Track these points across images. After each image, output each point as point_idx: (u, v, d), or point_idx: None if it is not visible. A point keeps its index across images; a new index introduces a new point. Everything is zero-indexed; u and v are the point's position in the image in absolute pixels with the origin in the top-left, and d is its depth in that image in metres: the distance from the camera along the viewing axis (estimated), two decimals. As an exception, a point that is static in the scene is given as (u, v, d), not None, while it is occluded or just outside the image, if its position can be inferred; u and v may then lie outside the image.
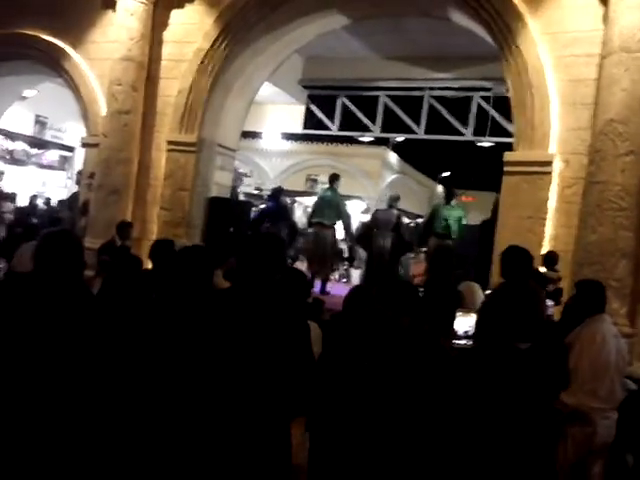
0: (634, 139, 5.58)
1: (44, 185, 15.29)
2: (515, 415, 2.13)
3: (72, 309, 2.61)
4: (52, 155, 15.53)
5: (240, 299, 2.27)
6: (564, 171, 6.34)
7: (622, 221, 5.48)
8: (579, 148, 6.25)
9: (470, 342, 2.46)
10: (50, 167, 15.64)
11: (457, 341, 2.44)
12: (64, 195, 14.99)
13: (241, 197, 10.81)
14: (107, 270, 5.58)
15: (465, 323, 2.48)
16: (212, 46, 8.27)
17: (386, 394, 2.32)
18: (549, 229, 6.24)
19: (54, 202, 12.91)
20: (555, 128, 6.40)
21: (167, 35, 8.63)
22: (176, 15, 8.60)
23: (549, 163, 6.31)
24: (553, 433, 2.43)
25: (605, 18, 6.12)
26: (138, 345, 2.54)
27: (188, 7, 8.55)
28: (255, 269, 2.27)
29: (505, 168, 6.64)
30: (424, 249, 11.64)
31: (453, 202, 9.23)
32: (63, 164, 15.84)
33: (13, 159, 14.56)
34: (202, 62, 8.29)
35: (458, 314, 2.47)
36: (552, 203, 6.33)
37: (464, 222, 9.01)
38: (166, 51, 8.61)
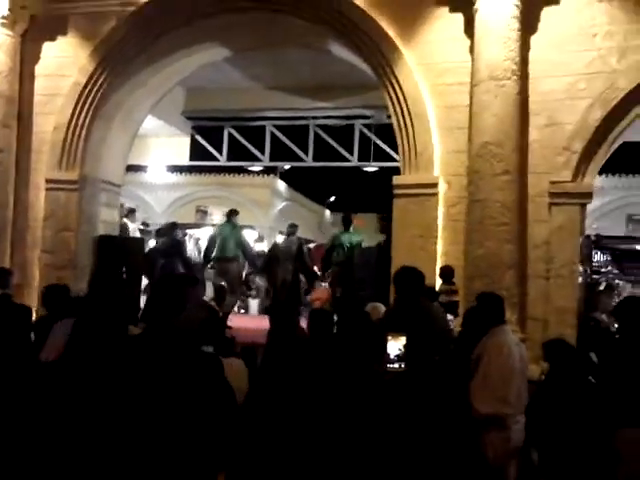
0: (508, 160, 6.07)
1: None
2: (440, 426, 2.19)
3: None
4: None
5: (150, 345, 2.16)
6: (447, 192, 6.74)
7: (505, 235, 5.92)
8: (459, 169, 6.68)
9: (402, 365, 2.53)
10: None
11: (390, 365, 2.49)
12: None
13: (136, 233, 10.37)
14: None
15: (396, 346, 2.54)
16: (89, 80, 7.96)
17: (322, 430, 2.31)
18: (440, 246, 6.58)
19: None
20: (437, 151, 6.80)
21: (39, 69, 8.20)
22: (48, 48, 8.21)
23: (435, 185, 6.69)
24: (473, 440, 2.53)
25: (472, 50, 6.64)
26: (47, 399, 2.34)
27: (60, 40, 8.20)
28: (162, 311, 2.19)
29: (394, 191, 6.93)
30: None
31: (351, 228, 9.50)
32: None
33: None
34: (79, 96, 7.93)
35: (389, 337, 2.53)
36: (440, 222, 6.68)
37: (360, 246, 9.31)
38: (39, 85, 8.18)
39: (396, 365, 2.53)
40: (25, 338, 4.44)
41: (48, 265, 7.70)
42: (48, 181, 7.94)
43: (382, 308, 4.64)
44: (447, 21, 6.96)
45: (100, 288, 2.80)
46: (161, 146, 13.73)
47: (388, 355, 2.51)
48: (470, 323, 3.79)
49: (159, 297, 2.23)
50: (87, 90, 7.93)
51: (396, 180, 6.99)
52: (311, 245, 16.60)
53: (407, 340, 2.59)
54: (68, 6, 8.11)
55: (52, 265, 7.71)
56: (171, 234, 10.04)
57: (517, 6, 6.33)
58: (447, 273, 6.27)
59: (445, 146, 6.82)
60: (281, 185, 18.89)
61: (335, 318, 4.08)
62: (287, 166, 15.38)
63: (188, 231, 16.11)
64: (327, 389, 2.47)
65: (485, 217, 5.98)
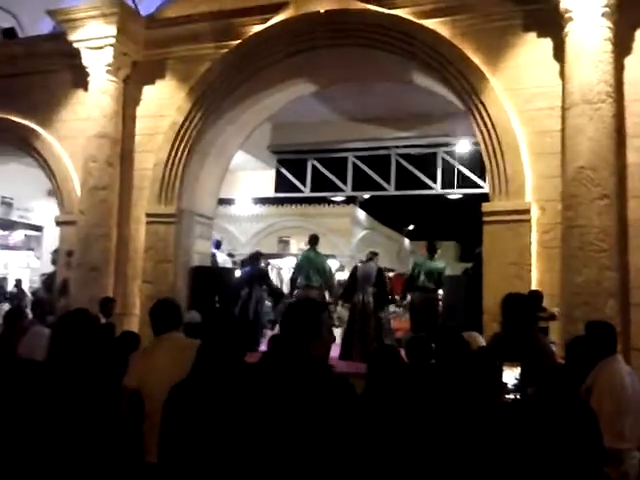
0: (605, 184, 5.88)
1: (5, 267, 14.92)
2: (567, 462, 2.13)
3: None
4: (18, 235, 15.23)
5: (288, 371, 2.17)
6: (541, 218, 6.59)
7: (605, 262, 5.70)
8: (552, 195, 6.53)
9: (519, 395, 2.48)
10: (14, 248, 15.31)
11: (507, 395, 2.45)
12: (27, 276, 14.66)
13: (226, 264, 10.78)
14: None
15: (512, 375, 2.51)
16: (186, 119, 8.42)
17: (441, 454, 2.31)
18: (534, 274, 6.42)
19: (27, 284, 12.56)
20: (528, 177, 6.69)
21: (140, 110, 8.76)
22: (148, 91, 8.77)
23: (527, 211, 6.56)
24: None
25: (562, 74, 6.54)
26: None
27: (159, 82, 8.74)
28: (299, 337, 2.20)
29: (484, 218, 6.85)
30: (405, 303, 11.78)
31: (436, 255, 9.43)
32: (27, 244, 15.52)
33: (-23, 243, 14.22)
34: (177, 135, 8.41)
35: (504, 367, 2.50)
36: (533, 249, 6.53)
37: (446, 274, 9.21)
38: (140, 126, 8.72)
39: (512, 395, 2.48)
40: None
41: (148, 295, 8.10)
42: (148, 215, 8.42)
43: (479, 337, 4.57)
44: (535, 46, 6.92)
45: (220, 317, 2.92)
46: (248, 179, 14.24)
47: (505, 385, 2.48)
48: (578, 353, 3.66)
49: (294, 323, 2.23)
50: (184, 129, 8.40)
51: (486, 207, 6.91)
52: (391, 274, 16.55)
53: (523, 370, 2.54)
54: (166, 51, 8.67)
55: (152, 295, 8.08)
56: (255, 263, 10.33)
57: (610, 28, 6.21)
58: (538, 297, 6.08)
59: (537, 171, 6.70)
60: (361, 214, 19.05)
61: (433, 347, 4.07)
62: (367, 195, 15.50)
63: (270, 261, 16.53)
64: (445, 419, 2.46)
65: (583, 243, 5.79)
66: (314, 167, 12.60)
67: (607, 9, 6.14)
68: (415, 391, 3.01)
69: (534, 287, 6.27)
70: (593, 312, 5.46)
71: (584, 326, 3.96)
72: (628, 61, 6.41)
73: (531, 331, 3.87)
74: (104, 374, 2.74)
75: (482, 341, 4.85)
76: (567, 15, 6.26)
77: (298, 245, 16.80)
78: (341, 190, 12.65)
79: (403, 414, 3.00)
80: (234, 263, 11.68)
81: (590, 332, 3.66)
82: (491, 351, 3.69)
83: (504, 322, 4.07)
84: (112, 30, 8.23)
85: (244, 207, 17.24)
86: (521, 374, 2.52)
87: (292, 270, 10.39)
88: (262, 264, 11.02)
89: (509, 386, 2.52)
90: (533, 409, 2.27)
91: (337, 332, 13.23)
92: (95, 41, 8.32)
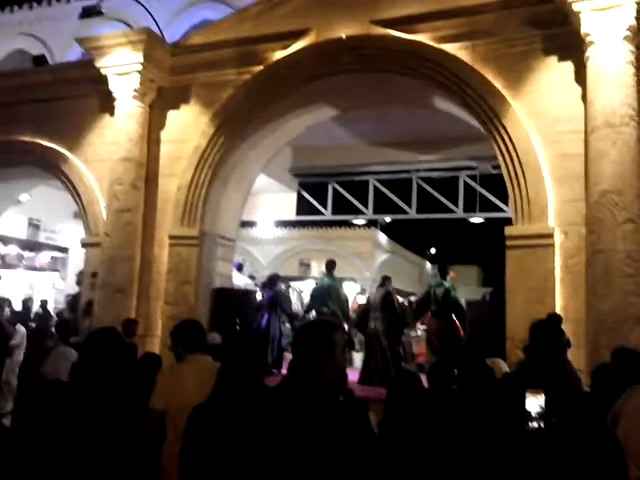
0: (630, 208, 5.80)
1: (31, 288, 15.17)
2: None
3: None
4: (44, 257, 15.52)
5: (302, 393, 2.17)
6: (564, 242, 6.51)
7: (631, 287, 5.60)
8: (576, 219, 6.46)
9: (542, 423, 2.43)
10: (40, 269, 15.58)
11: (531, 423, 2.40)
12: (53, 297, 14.88)
13: (248, 287, 10.83)
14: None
15: (535, 403, 2.45)
16: (209, 143, 8.55)
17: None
18: (558, 300, 6.32)
19: (52, 305, 12.74)
20: (551, 201, 6.63)
21: (164, 134, 8.93)
22: (172, 115, 8.95)
23: (550, 235, 6.49)
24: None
25: (584, 97, 6.51)
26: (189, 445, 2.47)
27: (184, 107, 8.91)
28: (311, 359, 2.19)
29: (507, 242, 6.79)
30: (423, 327, 11.69)
31: (448, 278, 9.39)
32: (53, 265, 15.79)
33: (5, 263, 14.48)
34: (200, 159, 8.54)
35: (527, 394, 2.45)
36: (557, 274, 6.44)
37: (458, 297, 9.18)
38: (164, 149, 8.88)
39: (535, 424, 2.43)
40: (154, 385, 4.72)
41: (170, 317, 8.16)
42: (171, 237, 8.52)
43: (503, 364, 4.50)
44: (556, 70, 6.91)
45: (240, 340, 2.93)
46: (269, 202, 14.35)
47: (528, 413, 2.43)
48: (604, 381, 3.59)
49: (307, 344, 2.20)
50: (207, 153, 8.53)
51: (508, 231, 6.86)
52: (412, 298, 16.40)
53: (547, 397, 2.49)
54: (190, 77, 8.86)
55: (173, 316, 8.14)
56: (273, 286, 10.36)
57: (632, 51, 6.18)
58: (555, 322, 5.97)
59: (559, 195, 6.64)
60: (382, 237, 19.02)
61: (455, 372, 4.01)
62: (388, 219, 15.47)
63: (291, 283, 16.54)
64: (466, 447, 2.42)
65: (608, 268, 5.70)
66: (335, 190, 12.66)
67: (628, 32, 6.12)
68: (435, 418, 2.97)
69: (558, 312, 6.16)
70: (619, 339, 5.34)
71: (610, 353, 3.87)
72: (653, 83, 6.36)
73: (559, 359, 3.80)
74: (129, 394, 2.77)
75: (506, 368, 4.78)
76: (588, 39, 6.26)
77: (319, 268, 16.81)
78: (362, 213, 12.66)
79: (422, 441, 2.96)
80: (255, 285, 11.71)
81: (616, 360, 3.58)
82: (515, 378, 3.62)
83: (531, 349, 4.00)
84: (139, 57, 8.45)
85: (266, 230, 17.36)
86: (545, 402, 2.47)
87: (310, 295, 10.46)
88: (281, 286, 11.04)
89: (532, 414, 2.46)
90: (557, 439, 2.23)
91: (358, 356, 13.19)
92: (122, 67, 8.54)
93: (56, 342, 6.36)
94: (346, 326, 11.19)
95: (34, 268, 15.33)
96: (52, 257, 15.62)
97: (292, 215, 13.41)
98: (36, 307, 13.19)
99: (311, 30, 8.02)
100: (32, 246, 14.94)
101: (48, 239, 15.20)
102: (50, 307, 13.39)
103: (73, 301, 9.58)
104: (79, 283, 9.67)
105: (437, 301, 9.12)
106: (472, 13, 7.20)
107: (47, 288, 15.51)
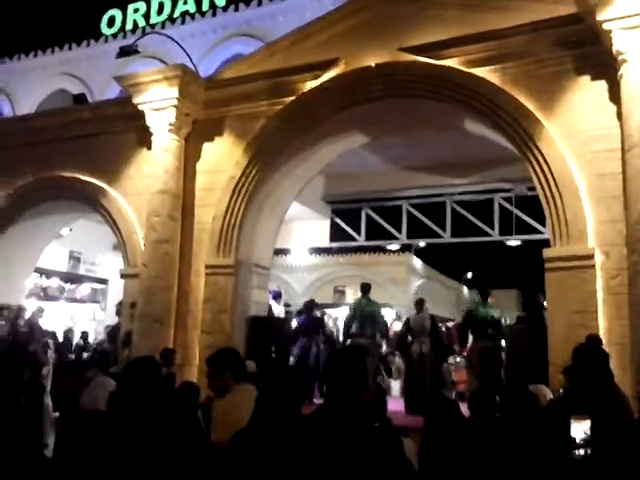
0: (673, 225, 5.64)
1: (72, 319, 15.51)
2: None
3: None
4: (84, 289, 15.89)
5: (336, 421, 2.15)
6: (606, 263, 6.36)
7: (677, 308, 5.41)
8: (616, 239, 6.31)
9: (589, 450, 2.35)
10: (81, 300, 15.94)
11: (576, 451, 2.32)
12: (93, 328, 15.17)
13: (281, 314, 10.85)
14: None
15: (580, 429, 2.38)
16: (243, 173, 8.69)
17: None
18: (602, 322, 6.15)
19: (92, 336, 12.99)
20: (590, 221, 6.50)
21: (200, 166, 9.12)
22: (207, 147, 9.15)
23: (591, 256, 6.35)
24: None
25: (619, 115, 6.42)
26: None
27: (218, 139, 9.11)
28: (346, 385, 2.17)
29: (546, 264, 6.67)
30: (463, 354, 11.43)
31: (489, 300, 9.18)
32: (93, 297, 16.15)
33: (47, 295, 14.88)
34: (234, 189, 8.68)
35: (572, 420, 2.38)
36: (599, 295, 6.28)
37: (503, 321, 8.93)
38: (199, 181, 9.06)
39: (582, 451, 2.35)
40: (193, 415, 4.74)
41: (207, 346, 8.21)
42: (208, 267, 8.63)
43: (547, 390, 4.38)
44: (589, 89, 6.84)
45: (276, 368, 2.93)
46: (303, 230, 14.44)
47: (574, 440, 2.35)
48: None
49: (340, 370, 2.18)
50: (241, 183, 8.66)
51: (547, 253, 6.73)
52: (450, 323, 16.16)
53: (593, 424, 2.41)
54: (224, 110, 9.06)
55: (210, 345, 8.18)
56: (310, 312, 10.34)
57: (667, 67, 6.08)
58: (597, 344, 5.77)
59: (598, 215, 6.51)
60: (417, 262, 18.88)
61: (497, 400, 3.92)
62: (423, 243, 15.38)
63: (326, 310, 16.51)
64: (511, 474, 2.36)
65: (652, 289, 5.53)
66: (368, 216, 12.67)
67: (662, 49, 6.04)
68: (477, 446, 2.90)
69: (602, 336, 5.99)
70: (667, 362, 5.16)
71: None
72: (689, 100, 6.23)
73: (607, 383, 3.67)
74: (167, 423, 2.78)
75: (550, 394, 4.66)
76: (620, 57, 6.20)
77: (354, 294, 16.75)
78: (396, 238, 12.62)
79: (463, 470, 2.89)
80: (288, 313, 11.71)
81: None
82: (561, 404, 3.51)
83: (577, 374, 3.88)
84: (174, 92, 8.71)
85: (300, 257, 17.45)
86: (592, 428, 2.38)
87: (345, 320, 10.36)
88: (317, 313, 11.03)
89: (578, 441, 2.38)
90: (605, 466, 2.15)
91: (396, 384, 12.98)
92: (158, 103, 8.81)
93: (95, 372, 6.48)
94: (385, 348, 11.04)
95: (75, 300, 15.70)
96: (92, 289, 15.99)
97: (326, 242, 13.45)
98: (77, 338, 13.45)
99: (340, 60, 8.15)
100: (73, 278, 15.33)
101: (88, 271, 15.59)
102: (90, 338, 13.64)
103: (113, 332, 9.74)
104: (118, 314, 9.84)
105: (482, 323, 8.79)
106: (500, 37, 7.21)
107: (87, 319, 15.85)
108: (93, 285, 15.96)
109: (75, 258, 15.08)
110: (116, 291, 12.36)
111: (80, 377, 5.74)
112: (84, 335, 12.99)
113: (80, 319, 15.72)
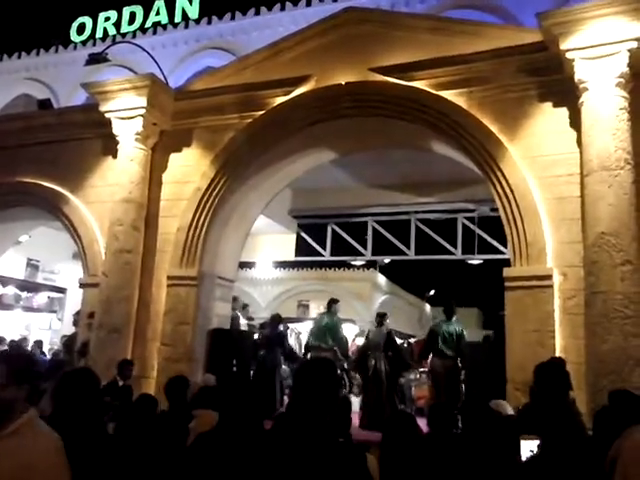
0: (628, 249, 5.84)
1: (27, 329, 15.06)
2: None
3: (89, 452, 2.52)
4: (41, 297, 15.47)
5: (303, 436, 2.12)
6: (563, 283, 6.52)
7: (630, 329, 5.59)
8: (574, 261, 6.49)
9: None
10: (38, 310, 15.51)
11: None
12: (48, 338, 14.75)
13: (245, 327, 10.74)
14: (111, 411, 5.43)
15: (528, 447, 2.41)
16: (209, 185, 8.65)
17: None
18: (558, 341, 6.29)
19: (47, 346, 12.61)
20: (549, 243, 6.68)
21: (166, 176, 9.03)
22: (174, 158, 9.07)
23: (549, 277, 6.51)
24: None
25: (579, 141, 6.64)
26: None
27: (185, 150, 9.05)
28: (313, 400, 2.16)
29: (506, 283, 6.80)
30: (423, 370, 11.52)
31: (454, 318, 9.27)
32: (50, 306, 15.73)
33: (1, 304, 14.42)
34: (200, 200, 8.61)
35: (521, 439, 2.42)
36: (556, 315, 6.43)
37: (465, 338, 9.02)
38: (165, 191, 8.97)
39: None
40: (150, 426, 4.65)
41: (166, 358, 8.09)
42: (170, 277, 8.51)
43: (507, 406, 4.44)
44: (551, 115, 7.06)
45: (238, 385, 2.90)
46: (269, 243, 14.42)
47: (519, 458, 2.38)
48: (602, 424, 3.55)
49: (309, 385, 2.14)
50: (207, 195, 8.61)
51: (507, 272, 6.87)
52: (412, 340, 16.28)
53: (542, 443, 2.45)
54: (192, 121, 9.02)
55: (170, 358, 8.09)
56: (275, 326, 10.28)
57: (625, 98, 6.33)
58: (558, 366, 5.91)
59: (557, 237, 6.69)
60: (381, 279, 19.02)
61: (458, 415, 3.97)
62: (387, 260, 15.50)
63: (290, 325, 16.44)
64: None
65: (607, 310, 5.70)
66: (334, 231, 12.72)
67: (621, 79, 6.28)
68: (435, 461, 2.92)
69: (558, 354, 6.12)
70: (620, 381, 5.31)
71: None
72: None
73: (564, 402, 3.74)
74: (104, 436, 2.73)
75: (510, 410, 4.73)
76: (582, 86, 6.43)
77: (318, 309, 16.74)
78: (361, 254, 12.69)
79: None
80: (251, 327, 11.62)
81: (613, 401, 3.54)
82: (517, 422, 3.57)
83: (536, 392, 3.95)
84: (143, 102, 8.63)
85: (265, 270, 17.40)
86: (542, 445, 2.43)
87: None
88: (282, 327, 10.96)
89: (522, 459, 2.42)
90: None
91: (356, 401, 12.95)
92: (126, 112, 8.71)
93: (52, 384, 6.28)
94: (345, 365, 11.04)
95: (31, 309, 15.26)
96: (49, 297, 15.57)
97: (291, 256, 13.44)
98: (29, 348, 13.02)
99: (311, 77, 8.22)
100: (30, 286, 14.91)
101: (46, 279, 15.19)
102: (45, 348, 13.25)
103: (69, 342, 9.49)
104: (76, 324, 9.61)
105: (445, 341, 8.86)
106: (468, 61, 7.40)
107: (43, 329, 15.41)
108: (50, 294, 15.55)
109: (33, 266, 14.69)
110: (74, 301, 12.08)
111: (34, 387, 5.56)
112: (38, 344, 12.60)
113: (35, 328, 15.28)
